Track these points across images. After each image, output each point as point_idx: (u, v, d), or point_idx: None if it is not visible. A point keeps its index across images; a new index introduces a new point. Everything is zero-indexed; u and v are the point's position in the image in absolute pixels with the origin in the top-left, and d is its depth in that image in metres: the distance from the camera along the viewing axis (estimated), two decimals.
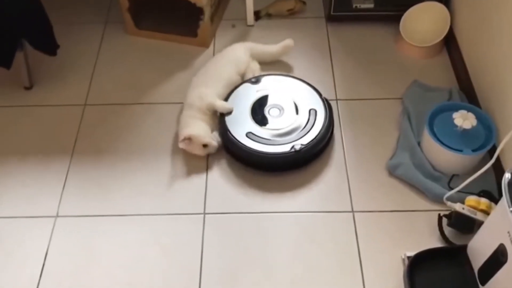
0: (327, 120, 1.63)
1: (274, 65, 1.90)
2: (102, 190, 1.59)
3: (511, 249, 1.11)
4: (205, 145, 1.59)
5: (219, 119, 1.66)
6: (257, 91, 1.71)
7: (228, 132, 1.61)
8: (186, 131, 1.59)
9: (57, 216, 1.53)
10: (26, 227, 1.51)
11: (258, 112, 1.67)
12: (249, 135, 1.60)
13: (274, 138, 1.60)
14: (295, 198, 1.56)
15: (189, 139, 1.58)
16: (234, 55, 1.81)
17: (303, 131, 1.60)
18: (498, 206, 1.19)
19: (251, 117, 1.66)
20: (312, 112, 1.65)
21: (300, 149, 1.56)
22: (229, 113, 1.65)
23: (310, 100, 1.69)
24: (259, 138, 1.60)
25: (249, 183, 1.59)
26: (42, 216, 1.53)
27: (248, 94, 1.72)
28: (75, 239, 1.49)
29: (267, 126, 1.63)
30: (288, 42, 1.88)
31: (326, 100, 1.70)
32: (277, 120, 1.64)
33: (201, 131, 1.60)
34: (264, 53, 1.88)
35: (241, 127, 1.63)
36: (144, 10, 2.03)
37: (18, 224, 1.52)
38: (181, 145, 1.59)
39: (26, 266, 1.43)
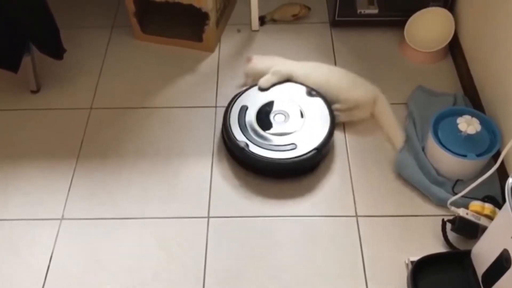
0: (329, 130, 1.63)
1: None
2: (107, 193, 1.60)
3: None
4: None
5: (223, 121, 1.67)
6: (264, 96, 1.74)
7: (232, 136, 1.62)
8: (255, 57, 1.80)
9: (63, 218, 1.55)
10: (32, 230, 1.52)
11: (264, 117, 1.68)
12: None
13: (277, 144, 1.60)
14: (299, 202, 1.56)
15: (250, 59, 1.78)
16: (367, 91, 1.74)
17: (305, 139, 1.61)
18: (502, 211, 1.19)
19: (256, 122, 1.66)
20: (317, 122, 1.66)
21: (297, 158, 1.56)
22: (261, 89, 1.74)
23: (315, 108, 1.70)
24: (262, 143, 1.60)
25: (252, 188, 1.60)
26: (47, 218, 1.54)
27: (255, 99, 1.73)
28: (80, 241, 1.50)
29: (271, 131, 1.64)
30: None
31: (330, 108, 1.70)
32: (282, 126, 1.65)
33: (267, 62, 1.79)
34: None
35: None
36: (150, 15, 2.05)
37: (24, 227, 1.53)
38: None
39: (32, 268, 1.44)
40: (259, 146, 1.59)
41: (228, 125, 1.65)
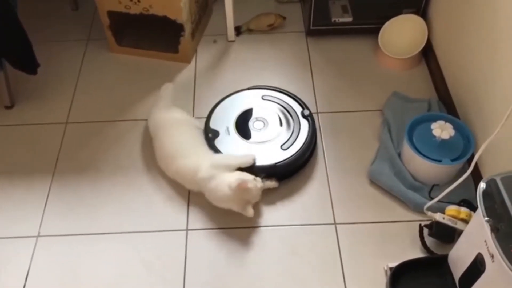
0: (308, 136, 1.64)
1: (256, 79, 1.92)
2: (84, 209, 1.58)
3: (489, 258, 1.11)
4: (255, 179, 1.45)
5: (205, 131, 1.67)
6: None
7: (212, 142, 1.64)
8: (232, 182, 1.42)
9: (39, 235, 1.52)
10: (7, 248, 1.50)
11: (242, 125, 1.68)
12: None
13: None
14: (278, 212, 1.56)
15: (241, 183, 1.41)
16: (181, 118, 1.69)
17: (284, 145, 1.62)
18: (475, 216, 1.21)
19: (235, 129, 1.67)
20: (296, 126, 1.67)
21: (276, 164, 1.57)
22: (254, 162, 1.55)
23: (294, 114, 1.70)
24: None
25: None
26: (23, 236, 1.52)
27: (234, 109, 1.73)
28: (58, 258, 1.47)
29: (250, 139, 1.64)
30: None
31: (311, 114, 1.71)
32: (260, 133, 1.66)
33: (237, 173, 1.47)
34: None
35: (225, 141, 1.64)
36: (125, 27, 2.04)
37: None
38: (235, 203, 1.46)
39: (7, 287, 1.42)
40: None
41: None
